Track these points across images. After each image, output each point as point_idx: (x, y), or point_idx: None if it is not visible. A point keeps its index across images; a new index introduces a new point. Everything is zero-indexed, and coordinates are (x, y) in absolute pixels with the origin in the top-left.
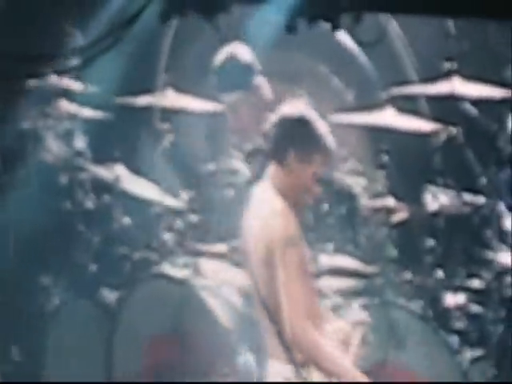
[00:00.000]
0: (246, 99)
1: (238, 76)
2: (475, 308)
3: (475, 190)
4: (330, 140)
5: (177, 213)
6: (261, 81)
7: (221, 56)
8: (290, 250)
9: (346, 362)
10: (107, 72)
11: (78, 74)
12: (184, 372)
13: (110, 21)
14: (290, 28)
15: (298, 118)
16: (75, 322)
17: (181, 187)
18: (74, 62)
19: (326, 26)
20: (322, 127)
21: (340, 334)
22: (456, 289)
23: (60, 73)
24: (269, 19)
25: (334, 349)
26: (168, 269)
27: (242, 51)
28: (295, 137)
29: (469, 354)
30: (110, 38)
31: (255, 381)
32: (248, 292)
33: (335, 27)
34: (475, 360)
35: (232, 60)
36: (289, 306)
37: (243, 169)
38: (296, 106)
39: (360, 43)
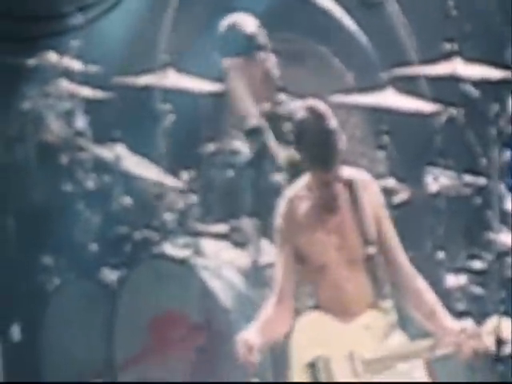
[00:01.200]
0: (249, 68)
1: (241, 43)
2: (476, 289)
3: (476, 171)
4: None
5: (177, 193)
6: (267, 55)
7: (226, 22)
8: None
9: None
10: (108, 52)
11: (78, 52)
12: (185, 352)
13: None
14: None
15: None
16: (76, 302)
17: (181, 167)
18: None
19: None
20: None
21: None
22: (457, 270)
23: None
24: None
25: None
26: (168, 249)
27: (248, 21)
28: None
29: None
30: None
31: None
32: (248, 272)
33: None
34: None
35: (236, 27)
36: None
37: (244, 149)
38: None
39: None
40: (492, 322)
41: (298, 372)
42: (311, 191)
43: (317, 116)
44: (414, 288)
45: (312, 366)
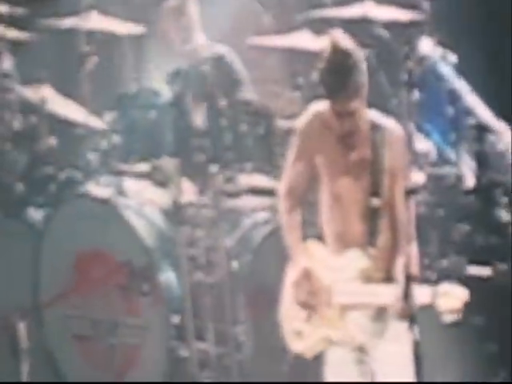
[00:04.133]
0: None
1: None
2: None
3: (386, 111)
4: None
5: (101, 133)
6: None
7: None
8: None
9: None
10: None
11: None
12: (107, 289)
13: None
14: None
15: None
16: (2, 241)
17: (104, 108)
18: None
19: None
20: None
21: None
22: None
23: None
24: None
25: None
26: (92, 188)
27: None
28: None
29: None
30: None
31: (174, 295)
32: (169, 211)
33: None
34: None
35: None
36: None
37: (165, 90)
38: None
39: None
40: (447, 285)
41: (285, 290)
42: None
43: (338, 49)
44: (405, 250)
45: (295, 283)
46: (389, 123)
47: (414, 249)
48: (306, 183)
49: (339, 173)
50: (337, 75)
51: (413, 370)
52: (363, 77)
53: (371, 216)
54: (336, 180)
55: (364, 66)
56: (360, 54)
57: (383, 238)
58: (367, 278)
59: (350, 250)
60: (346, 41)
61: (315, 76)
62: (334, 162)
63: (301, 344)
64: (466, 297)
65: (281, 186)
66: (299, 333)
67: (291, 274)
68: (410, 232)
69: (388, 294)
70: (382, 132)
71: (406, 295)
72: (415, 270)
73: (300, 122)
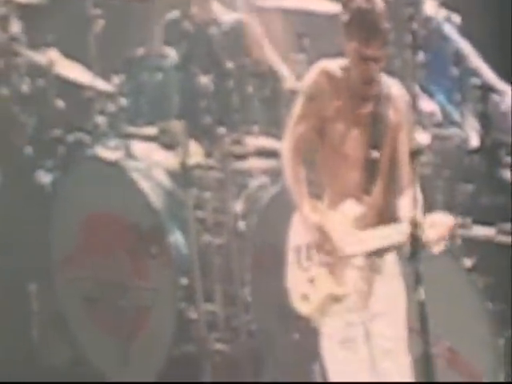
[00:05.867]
0: None
1: None
2: None
3: (390, 72)
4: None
5: (108, 96)
6: None
7: None
8: None
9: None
10: None
11: None
12: (117, 252)
13: None
14: None
15: None
16: (12, 204)
17: (112, 71)
18: None
19: None
20: None
21: None
22: None
23: None
24: None
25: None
26: (100, 151)
27: None
28: None
29: None
30: None
31: (182, 258)
32: (177, 173)
33: None
34: None
35: None
36: None
37: (172, 52)
38: None
39: None
40: (433, 215)
41: (288, 254)
42: (347, 73)
43: None
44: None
45: (298, 247)
46: (393, 82)
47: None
48: (310, 143)
49: (344, 130)
50: (373, 18)
51: (417, 329)
52: (387, 25)
53: (370, 168)
54: (340, 137)
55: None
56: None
57: (379, 188)
58: (362, 225)
59: (345, 201)
60: None
61: (321, 37)
62: (340, 120)
63: (308, 307)
64: (452, 222)
65: (285, 143)
66: (305, 296)
67: (300, 232)
68: (417, 195)
69: (398, 233)
70: (387, 89)
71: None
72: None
73: (306, 81)
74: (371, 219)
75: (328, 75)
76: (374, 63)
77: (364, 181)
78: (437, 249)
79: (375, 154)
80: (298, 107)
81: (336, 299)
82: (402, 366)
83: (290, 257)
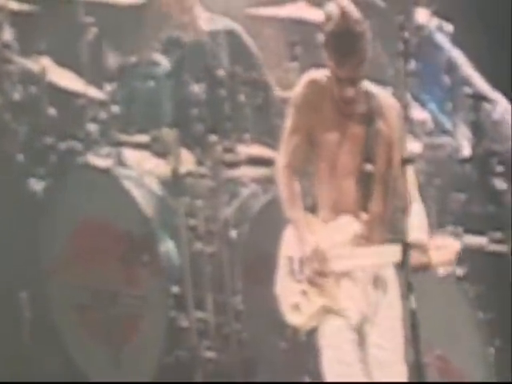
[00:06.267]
0: None
1: None
2: None
3: (383, 81)
4: None
5: (100, 104)
6: None
7: None
8: None
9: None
10: None
11: None
12: (108, 260)
13: None
14: None
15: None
16: (3, 212)
17: (104, 79)
18: None
19: None
20: None
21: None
22: None
23: None
24: None
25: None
26: (92, 159)
27: None
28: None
29: None
30: None
31: (173, 266)
32: (168, 181)
33: None
34: None
35: None
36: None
37: (164, 61)
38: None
39: None
40: (439, 238)
41: (280, 263)
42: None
43: (348, 14)
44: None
45: (290, 258)
46: (383, 93)
47: (421, 211)
48: (304, 154)
49: (336, 141)
50: (347, 40)
51: (408, 337)
52: (369, 45)
53: (364, 182)
54: (332, 149)
55: (369, 35)
56: (365, 23)
57: (375, 204)
58: (359, 243)
59: (341, 216)
60: (352, 7)
61: (313, 46)
62: (331, 131)
63: (298, 317)
64: (458, 247)
65: (279, 158)
66: (296, 306)
67: (295, 248)
68: (407, 201)
69: (392, 253)
70: (377, 101)
71: (404, 263)
72: (417, 233)
73: (295, 93)
74: (369, 236)
75: (317, 87)
76: (350, 84)
77: (360, 196)
78: (442, 272)
79: (369, 167)
80: (289, 119)
81: (328, 313)
82: (398, 376)
83: (282, 265)
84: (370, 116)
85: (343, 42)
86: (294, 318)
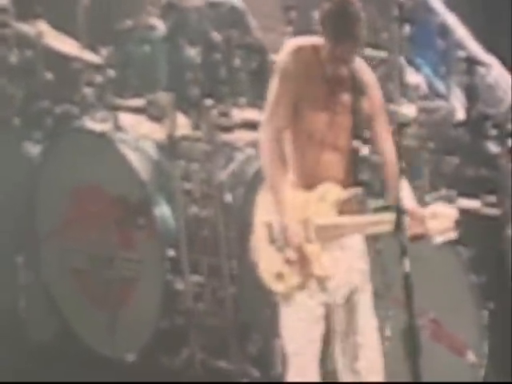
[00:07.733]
0: None
1: None
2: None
3: (377, 46)
4: None
5: (96, 68)
6: None
7: None
8: None
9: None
10: None
11: None
12: (104, 224)
13: None
14: None
15: None
16: None
17: (100, 43)
18: None
19: None
20: None
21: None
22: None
23: None
24: None
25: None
26: (88, 122)
27: None
28: None
29: None
30: None
31: (169, 229)
32: (164, 145)
33: None
34: None
35: None
36: None
37: (160, 25)
38: None
39: None
40: (435, 206)
41: (257, 228)
42: (319, 54)
43: None
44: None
45: (269, 225)
46: (363, 68)
47: (405, 183)
48: (289, 121)
49: (319, 110)
50: (346, 20)
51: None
52: (364, 27)
53: (351, 157)
54: (314, 117)
55: (364, 17)
56: (360, 5)
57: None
58: (342, 209)
59: (322, 184)
60: None
61: (308, 11)
62: (315, 101)
63: (282, 286)
64: (456, 215)
65: (264, 131)
66: (280, 275)
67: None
68: (400, 168)
69: (386, 222)
70: (360, 77)
71: (398, 227)
72: (410, 203)
73: (281, 60)
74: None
75: (302, 55)
76: (344, 63)
77: (342, 171)
78: (440, 239)
79: (356, 143)
80: (274, 87)
81: (316, 279)
82: (375, 362)
83: (259, 231)
84: (355, 92)
85: (341, 22)
86: (277, 287)
